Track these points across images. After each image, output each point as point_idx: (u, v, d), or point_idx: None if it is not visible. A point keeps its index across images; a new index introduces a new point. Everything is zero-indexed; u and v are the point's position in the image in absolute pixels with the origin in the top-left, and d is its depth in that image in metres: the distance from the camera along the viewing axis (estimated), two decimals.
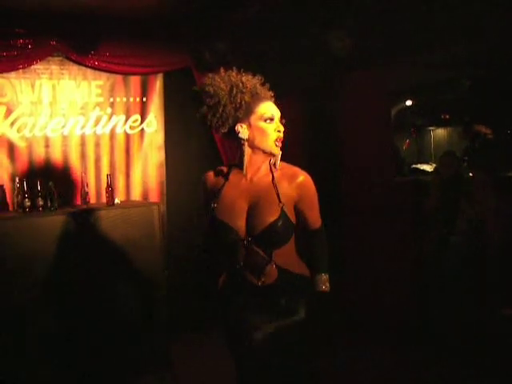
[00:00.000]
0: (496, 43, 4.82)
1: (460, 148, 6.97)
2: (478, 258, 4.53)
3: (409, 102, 9.27)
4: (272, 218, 2.23)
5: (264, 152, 2.30)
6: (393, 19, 4.42)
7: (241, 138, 2.28)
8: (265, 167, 2.33)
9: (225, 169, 2.42)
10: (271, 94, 2.39)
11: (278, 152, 2.30)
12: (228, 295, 2.40)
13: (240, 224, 2.27)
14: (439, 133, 10.56)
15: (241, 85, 2.26)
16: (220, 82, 2.27)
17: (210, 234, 2.36)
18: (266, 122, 2.27)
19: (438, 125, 10.29)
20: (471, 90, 7.45)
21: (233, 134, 2.30)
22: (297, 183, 2.32)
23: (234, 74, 2.31)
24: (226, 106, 2.24)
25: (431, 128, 10.50)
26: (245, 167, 2.30)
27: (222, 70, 2.34)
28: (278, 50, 5.00)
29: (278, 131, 2.29)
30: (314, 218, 2.44)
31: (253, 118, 2.27)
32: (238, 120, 2.28)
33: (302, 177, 2.35)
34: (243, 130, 2.27)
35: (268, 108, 2.29)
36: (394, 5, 4.29)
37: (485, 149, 6.39)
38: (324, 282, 2.42)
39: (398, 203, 5.00)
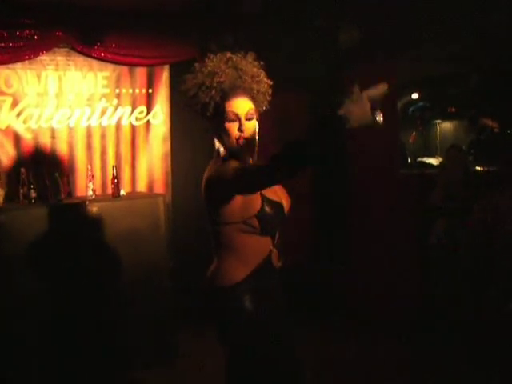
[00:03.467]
0: (504, 37, 4.79)
1: (466, 141, 6.95)
2: (485, 252, 4.51)
3: (415, 95, 9.24)
4: (286, 193, 2.33)
5: None
6: (399, 12, 4.40)
7: None
8: None
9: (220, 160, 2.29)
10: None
11: (243, 152, 2.21)
12: (250, 289, 2.17)
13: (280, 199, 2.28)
14: (445, 126, 10.51)
15: (208, 82, 2.21)
16: (198, 72, 2.24)
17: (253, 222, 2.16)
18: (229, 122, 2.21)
19: (445, 118, 10.25)
20: (478, 84, 7.42)
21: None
22: None
23: (211, 62, 2.25)
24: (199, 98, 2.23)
25: (437, 121, 10.45)
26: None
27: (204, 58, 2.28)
28: (284, 43, 4.98)
29: (241, 130, 2.20)
30: None
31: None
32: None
33: None
34: None
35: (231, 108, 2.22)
36: None
37: (491, 142, 6.37)
38: None
39: (403, 196, 4.99)
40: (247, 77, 2.24)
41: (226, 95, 2.20)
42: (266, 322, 2.18)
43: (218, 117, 2.22)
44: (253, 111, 2.22)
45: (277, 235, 2.25)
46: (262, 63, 2.32)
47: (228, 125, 2.20)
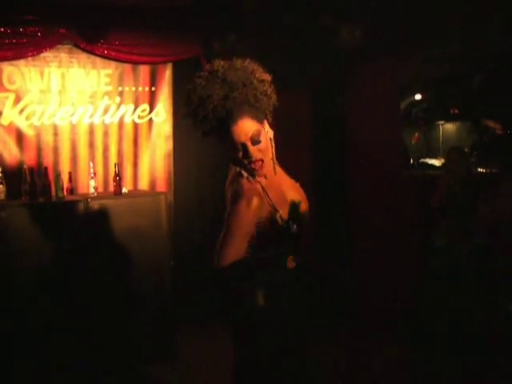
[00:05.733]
0: (507, 38, 4.79)
1: (469, 142, 6.95)
2: (486, 254, 4.51)
3: (418, 96, 9.23)
4: (306, 201, 2.31)
5: None
6: (403, 12, 4.39)
7: None
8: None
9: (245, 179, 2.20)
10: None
11: (264, 175, 2.15)
12: (256, 286, 2.21)
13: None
14: (448, 127, 10.52)
15: (202, 111, 2.08)
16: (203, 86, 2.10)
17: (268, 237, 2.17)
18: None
19: (447, 119, 10.24)
20: (481, 85, 7.41)
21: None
22: None
23: (201, 81, 2.10)
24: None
25: (440, 122, 10.45)
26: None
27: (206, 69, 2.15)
28: (287, 42, 4.97)
29: (249, 159, 2.09)
30: None
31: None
32: None
33: None
34: None
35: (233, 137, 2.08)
36: None
37: (494, 144, 6.36)
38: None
39: (406, 197, 4.98)
40: (239, 89, 2.07)
41: (225, 121, 2.07)
42: (276, 318, 2.20)
43: (226, 143, 2.11)
44: (256, 131, 2.07)
45: (297, 241, 2.25)
46: (254, 63, 2.16)
47: (236, 154, 2.10)
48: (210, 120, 2.08)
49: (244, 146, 2.07)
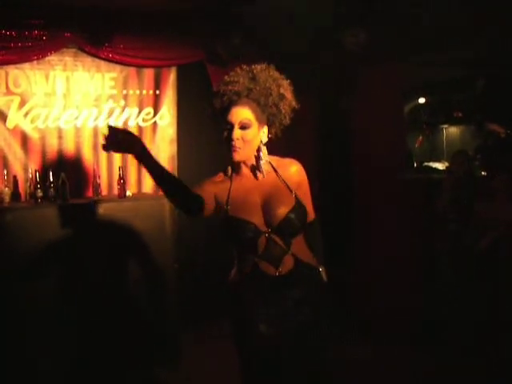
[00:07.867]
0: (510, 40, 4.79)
1: (473, 146, 6.93)
2: (489, 259, 4.50)
3: (422, 100, 9.23)
4: (289, 208, 2.30)
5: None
6: (407, 16, 4.40)
7: None
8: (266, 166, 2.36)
9: (223, 173, 2.43)
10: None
11: (234, 159, 2.30)
12: (240, 290, 2.38)
13: (257, 218, 2.29)
14: (452, 131, 10.52)
15: (223, 89, 2.31)
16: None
17: (225, 233, 2.36)
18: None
19: (451, 123, 10.24)
20: (485, 89, 7.40)
21: None
22: (294, 171, 2.39)
23: (235, 72, 2.35)
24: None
25: (444, 126, 10.45)
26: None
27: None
28: (290, 46, 4.98)
29: (230, 139, 2.26)
30: (310, 207, 2.47)
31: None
32: None
33: (297, 165, 2.41)
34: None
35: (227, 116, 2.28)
36: (409, 1, 4.28)
37: (497, 147, 6.34)
38: (323, 275, 2.48)
39: (409, 201, 4.98)
40: (258, 87, 2.26)
41: (231, 103, 2.26)
42: (255, 318, 2.32)
43: (221, 126, 2.29)
44: (248, 120, 2.24)
45: (261, 246, 2.30)
46: (288, 85, 2.36)
47: (224, 133, 2.27)
48: (223, 99, 2.28)
49: (232, 126, 2.24)
